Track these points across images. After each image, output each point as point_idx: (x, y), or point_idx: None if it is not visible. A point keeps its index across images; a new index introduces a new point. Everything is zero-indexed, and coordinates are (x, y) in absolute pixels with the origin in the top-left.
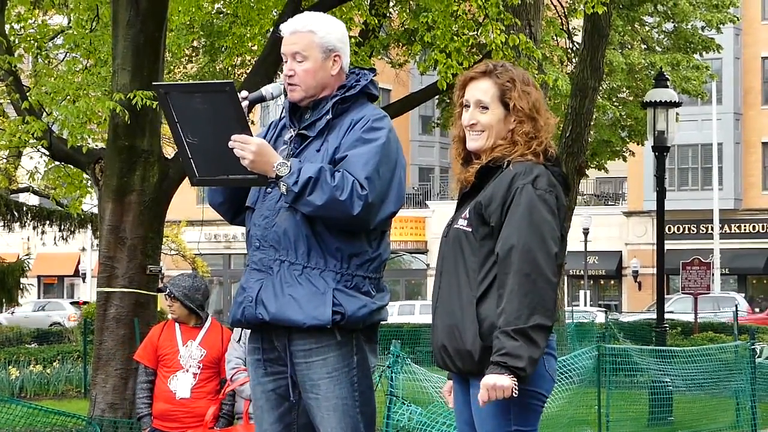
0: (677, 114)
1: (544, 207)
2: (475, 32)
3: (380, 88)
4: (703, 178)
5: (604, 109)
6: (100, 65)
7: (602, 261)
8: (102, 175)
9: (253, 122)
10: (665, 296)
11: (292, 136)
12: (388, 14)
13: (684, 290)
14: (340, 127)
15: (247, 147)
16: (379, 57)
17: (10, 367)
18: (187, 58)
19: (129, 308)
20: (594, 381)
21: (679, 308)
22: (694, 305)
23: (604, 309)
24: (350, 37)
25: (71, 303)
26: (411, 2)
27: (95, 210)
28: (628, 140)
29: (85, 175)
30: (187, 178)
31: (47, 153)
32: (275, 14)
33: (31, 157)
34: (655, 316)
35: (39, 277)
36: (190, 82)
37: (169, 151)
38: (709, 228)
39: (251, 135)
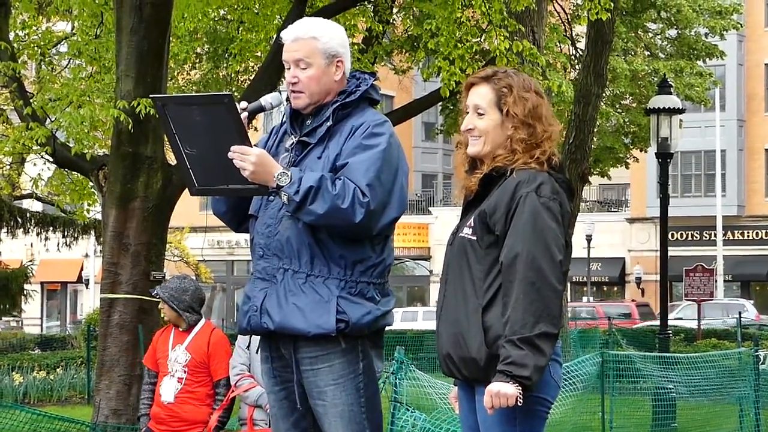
0: (680, 120)
1: (548, 214)
2: (479, 39)
3: (383, 95)
4: (706, 184)
5: (607, 116)
6: (104, 72)
7: (605, 267)
8: (105, 181)
9: (255, 129)
10: (672, 303)
11: (293, 143)
12: (391, 21)
13: (687, 297)
14: (341, 133)
15: (247, 158)
16: (383, 63)
17: (13, 373)
18: (190, 64)
19: (132, 315)
20: (597, 387)
21: (689, 314)
22: (697, 312)
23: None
24: (353, 44)
25: None
26: (414, 9)
27: (99, 216)
28: (631, 147)
29: (88, 182)
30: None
31: (51, 159)
32: (279, 20)
33: (35, 164)
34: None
35: (42, 283)
36: (188, 94)
37: (173, 157)
38: (712, 234)
39: (251, 146)
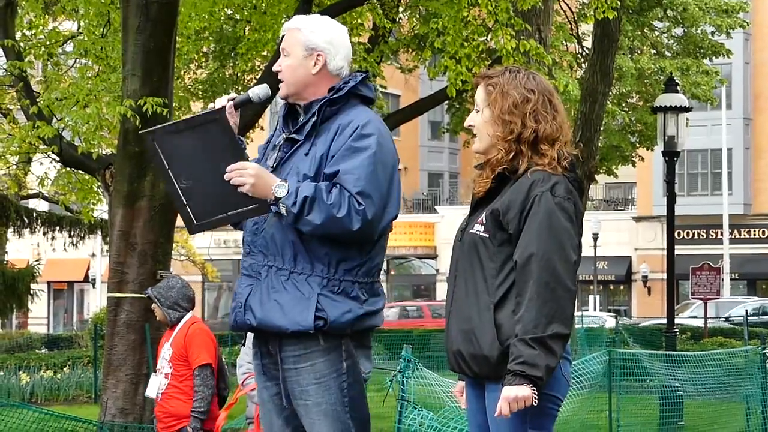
0: (687, 119)
1: (563, 215)
2: (485, 38)
3: (389, 94)
4: (712, 183)
5: (613, 114)
6: (110, 71)
7: (612, 266)
8: (112, 180)
9: (262, 128)
10: (687, 302)
11: (282, 140)
12: (397, 19)
13: (694, 295)
14: (328, 131)
15: (245, 172)
16: (389, 62)
17: (20, 372)
18: (197, 63)
19: (139, 314)
20: (604, 386)
21: (701, 313)
22: (704, 310)
23: (613, 314)
24: (360, 43)
25: None
26: (421, 8)
27: (105, 216)
28: (637, 145)
29: (95, 181)
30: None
31: (57, 159)
32: (286, 19)
33: (41, 163)
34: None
35: (49, 283)
36: (177, 120)
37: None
38: (719, 233)
39: (247, 160)
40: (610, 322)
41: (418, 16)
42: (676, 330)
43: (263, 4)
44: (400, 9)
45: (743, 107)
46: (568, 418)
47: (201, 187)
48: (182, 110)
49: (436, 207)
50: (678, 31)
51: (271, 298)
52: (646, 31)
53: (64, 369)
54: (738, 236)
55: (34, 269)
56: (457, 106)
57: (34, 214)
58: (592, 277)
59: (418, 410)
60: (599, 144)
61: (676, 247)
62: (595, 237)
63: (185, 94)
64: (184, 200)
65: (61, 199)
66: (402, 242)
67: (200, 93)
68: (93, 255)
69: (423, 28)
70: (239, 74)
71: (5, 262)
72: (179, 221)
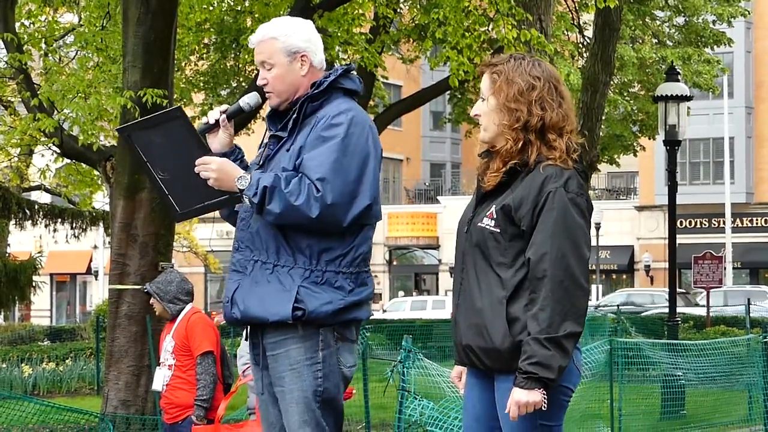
0: (688, 108)
1: (577, 211)
2: (487, 28)
3: (391, 84)
4: (714, 172)
5: (615, 104)
6: (110, 63)
7: (614, 255)
8: (113, 172)
9: (254, 131)
10: (693, 291)
11: (269, 137)
12: (398, 10)
13: (696, 284)
14: (309, 125)
15: (208, 167)
16: (390, 53)
17: (23, 364)
18: (198, 55)
19: (141, 305)
20: (606, 375)
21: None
22: (707, 299)
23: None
24: (361, 33)
25: None
26: None
27: (107, 207)
28: (639, 134)
29: (96, 173)
30: None
31: (59, 151)
32: (289, 10)
33: (43, 155)
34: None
35: (51, 275)
36: (145, 117)
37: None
38: (721, 222)
39: (211, 154)
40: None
41: (419, 6)
42: (678, 319)
43: None
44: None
45: (745, 96)
46: (570, 407)
47: (178, 178)
48: (184, 102)
49: (438, 197)
50: (679, 20)
51: (254, 291)
52: (647, 20)
53: (67, 361)
54: (740, 225)
55: (37, 261)
56: (459, 96)
57: (36, 206)
58: (594, 267)
59: (419, 400)
60: (601, 133)
61: (678, 236)
62: (598, 226)
63: (187, 86)
64: (165, 191)
65: (64, 192)
66: (404, 232)
67: (202, 84)
68: (95, 247)
69: (424, 18)
70: (241, 65)
71: (7, 255)
72: None
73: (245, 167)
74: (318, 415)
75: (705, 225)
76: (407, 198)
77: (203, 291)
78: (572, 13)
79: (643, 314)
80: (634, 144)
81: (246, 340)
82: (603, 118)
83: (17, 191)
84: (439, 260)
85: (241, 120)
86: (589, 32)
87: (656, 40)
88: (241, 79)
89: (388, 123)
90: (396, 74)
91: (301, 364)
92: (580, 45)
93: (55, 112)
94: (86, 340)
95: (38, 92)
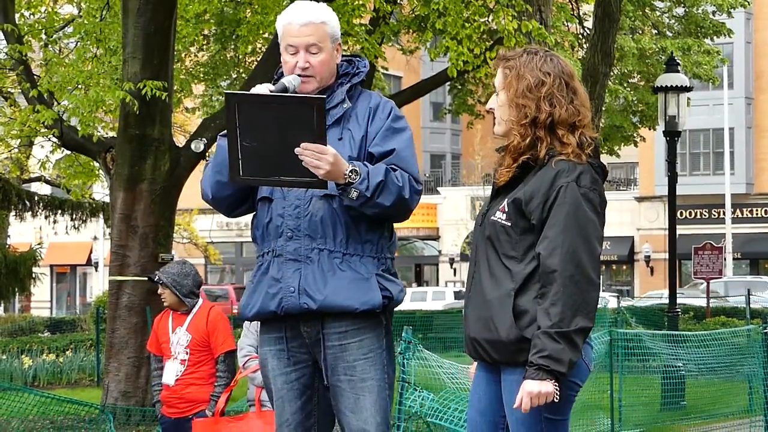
0: (688, 99)
1: (589, 206)
2: (487, 19)
3: (391, 75)
4: (714, 162)
5: (615, 94)
6: (110, 54)
7: (614, 246)
8: (113, 164)
9: None
10: (680, 281)
11: None
12: (398, 1)
13: (696, 275)
14: (356, 114)
15: (324, 158)
16: (390, 44)
17: (23, 356)
18: (197, 46)
19: (141, 297)
20: (606, 366)
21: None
22: (706, 290)
23: (616, 294)
24: (361, 24)
25: None
26: None
27: (107, 199)
28: (639, 125)
29: (96, 164)
30: (199, 166)
31: (58, 142)
32: (288, 2)
33: (43, 146)
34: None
35: (51, 266)
36: (274, 94)
37: (180, 139)
38: (721, 213)
39: (326, 144)
40: (612, 302)
41: None
42: (678, 310)
43: None
44: None
45: (745, 86)
46: None
47: (264, 151)
48: (183, 93)
49: (438, 188)
50: (679, 10)
51: (329, 280)
52: (647, 11)
53: (67, 352)
54: (740, 216)
55: (37, 253)
56: (459, 87)
57: (36, 198)
58: None
59: (419, 392)
60: (601, 124)
61: (678, 227)
62: None
63: (187, 77)
64: (240, 155)
65: (64, 183)
66: (404, 223)
67: (202, 75)
68: (95, 238)
69: (424, 9)
70: (240, 57)
71: (7, 246)
72: (180, 204)
73: None
74: (387, 403)
75: (705, 216)
76: None
77: (204, 282)
78: (572, 4)
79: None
80: (634, 135)
81: (254, 330)
82: (603, 108)
83: (17, 182)
84: (439, 251)
85: None
86: (589, 23)
87: (656, 31)
88: (241, 70)
89: None
90: (396, 65)
91: (375, 352)
92: (580, 36)
93: (55, 103)
94: (86, 332)
95: (38, 83)
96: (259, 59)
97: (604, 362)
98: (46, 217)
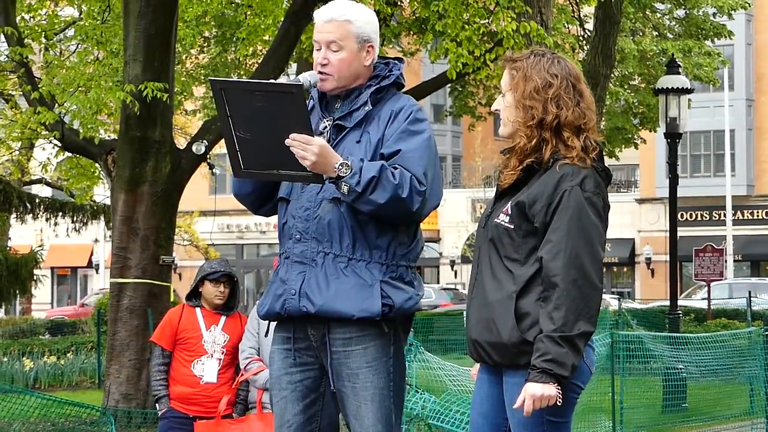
0: (689, 100)
1: (592, 210)
2: (487, 20)
3: None
4: (715, 164)
5: (616, 96)
6: (111, 56)
7: (615, 248)
8: (114, 166)
9: None
10: (681, 283)
11: (327, 126)
12: (399, 3)
13: (697, 277)
14: (379, 117)
15: (309, 148)
16: (391, 46)
17: (24, 358)
18: (198, 48)
19: (142, 299)
20: (608, 368)
21: (715, 295)
22: (707, 291)
23: (617, 296)
24: None
25: None
26: None
27: (108, 201)
28: (640, 127)
29: (97, 166)
30: (200, 168)
31: (60, 144)
32: (287, 4)
33: (44, 149)
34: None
35: (52, 268)
36: (254, 80)
37: (182, 141)
38: (722, 214)
39: (313, 135)
40: (613, 304)
41: (419, 0)
42: (680, 312)
43: None
44: None
45: (746, 88)
46: None
47: (258, 142)
48: (184, 95)
49: None
50: (680, 12)
51: (331, 285)
52: (647, 12)
53: (68, 354)
54: (741, 217)
55: (38, 255)
56: (460, 89)
57: (37, 200)
58: None
59: (421, 394)
60: (602, 126)
61: (679, 228)
62: None
63: (187, 79)
64: (237, 147)
65: (65, 185)
66: None
67: (202, 78)
68: (96, 240)
69: (424, 11)
70: (241, 59)
71: (8, 248)
72: (181, 206)
73: None
74: (390, 412)
75: (706, 217)
76: None
77: None
78: (573, 6)
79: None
80: (635, 137)
81: (254, 333)
82: (604, 110)
83: (18, 185)
84: (440, 253)
85: None
86: (589, 25)
87: (657, 33)
88: (242, 72)
89: None
90: None
91: (378, 361)
92: (581, 38)
93: (56, 105)
94: (87, 334)
95: (39, 86)
96: (259, 61)
97: (606, 364)
98: (47, 220)
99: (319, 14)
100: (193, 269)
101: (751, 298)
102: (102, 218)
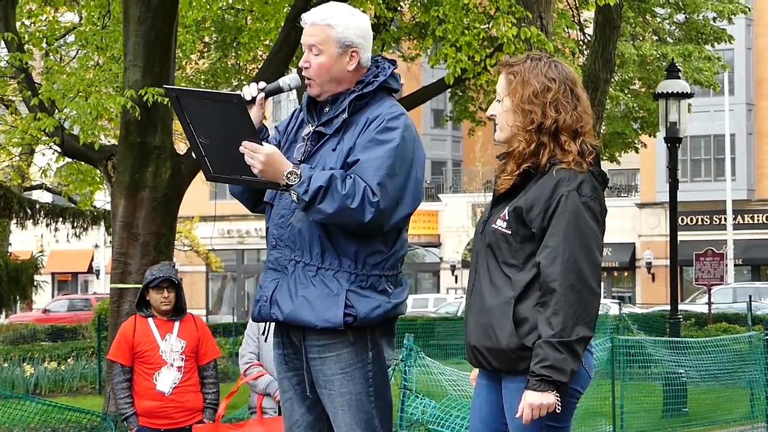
0: (689, 105)
1: (590, 215)
2: (487, 25)
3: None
4: (715, 169)
5: (616, 101)
6: (111, 62)
7: (615, 253)
8: (114, 171)
9: (265, 117)
10: (682, 288)
11: (309, 132)
12: (399, 8)
13: (698, 281)
14: (356, 124)
15: (256, 156)
16: (391, 51)
17: (24, 364)
18: (198, 54)
19: None
20: (608, 373)
21: (719, 299)
22: (708, 296)
23: (617, 301)
24: None
25: None
26: None
27: (108, 206)
28: (640, 132)
29: (97, 172)
30: (200, 174)
31: (60, 150)
32: (288, 9)
33: (44, 154)
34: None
35: (53, 274)
36: (200, 89)
37: (182, 147)
38: (722, 219)
39: (260, 143)
40: (614, 308)
41: (419, 4)
42: (680, 316)
43: None
44: None
45: (746, 93)
46: None
47: (219, 148)
48: None
49: (439, 195)
50: (680, 17)
51: (299, 294)
52: (647, 17)
53: (68, 360)
54: (741, 222)
55: (38, 261)
56: (460, 94)
57: (37, 206)
58: None
59: (421, 399)
60: (602, 131)
61: (679, 233)
62: None
63: (187, 84)
64: (203, 152)
65: (65, 191)
66: None
67: (203, 83)
68: (96, 246)
69: (424, 16)
70: (241, 64)
71: (9, 254)
72: (181, 211)
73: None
74: (371, 416)
75: (706, 222)
76: None
77: (205, 289)
78: (573, 11)
79: None
80: (635, 141)
81: (254, 338)
82: (604, 115)
83: (18, 190)
84: (441, 258)
85: None
86: (589, 30)
87: (657, 38)
88: (242, 78)
89: None
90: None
91: (353, 367)
92: (581, 42)
93: (56, 111)
94: (88, 339)
95: (39, 91)
96: (259, 66)
97: (606, 369)
98: (47, 225)
99: (305, 17)
100: (193, 275)
101: (753, 303)
102: (102, 224)
